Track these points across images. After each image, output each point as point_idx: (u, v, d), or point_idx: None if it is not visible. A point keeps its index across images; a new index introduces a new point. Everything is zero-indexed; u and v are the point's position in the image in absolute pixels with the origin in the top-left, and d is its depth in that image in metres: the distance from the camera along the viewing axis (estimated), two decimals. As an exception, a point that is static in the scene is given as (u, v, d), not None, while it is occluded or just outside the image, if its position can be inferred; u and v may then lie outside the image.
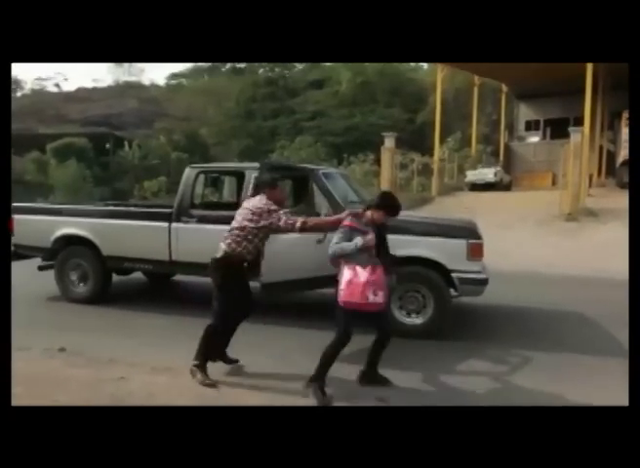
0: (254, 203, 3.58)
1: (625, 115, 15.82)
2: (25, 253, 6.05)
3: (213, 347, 3.62)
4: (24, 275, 6.61)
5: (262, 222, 3.46)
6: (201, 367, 3.52)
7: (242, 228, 3.50)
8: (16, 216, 6.01)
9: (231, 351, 3.85)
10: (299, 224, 3.43)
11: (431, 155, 18.50)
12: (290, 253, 4.50)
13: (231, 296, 3.55)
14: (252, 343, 4.23)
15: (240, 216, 3.57)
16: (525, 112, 24.33)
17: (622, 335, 4.70)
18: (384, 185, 13.78)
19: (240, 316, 3.67)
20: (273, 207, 3.50)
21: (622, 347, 4.46)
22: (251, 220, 3.48)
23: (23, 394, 3.25)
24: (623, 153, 15.72)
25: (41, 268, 6.05)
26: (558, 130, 18.70)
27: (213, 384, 3.45)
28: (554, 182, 18.27)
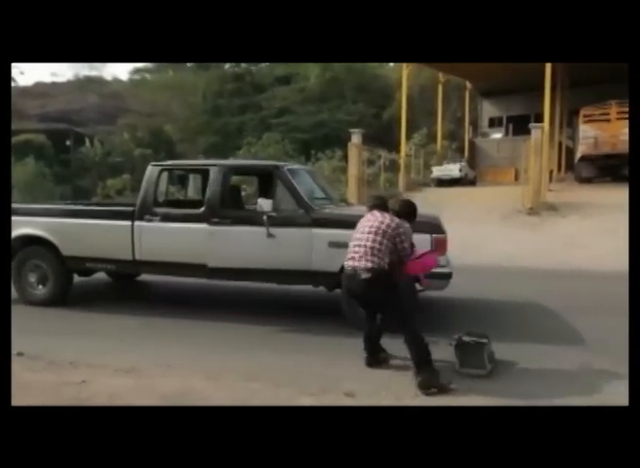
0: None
1: (583, 112, 16.39)
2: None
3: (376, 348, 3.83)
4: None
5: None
6: (432, 376, 3.36)
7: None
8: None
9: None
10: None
11: (398, 151, 18.70)
12: (237, 241, 4.74)
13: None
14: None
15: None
16: (488, 109, 24.92)
17: (580, 325, 4.89)
18: (352, 181, 13.86)
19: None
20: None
21: (580, 336, 4.63)
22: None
23: (-22, 401, 3.14)
24: (581, 149, 16.27)
25: (-3, 270, 5.81)
26: (520, 126, 19.21)
27: (447, 387, 3.32)
28: (517, 177, 18.75)
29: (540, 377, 3.64)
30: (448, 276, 4.59)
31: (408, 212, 3.77)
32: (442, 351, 3.98)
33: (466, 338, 3.68)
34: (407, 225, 3.70)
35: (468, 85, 23.21)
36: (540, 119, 14.62)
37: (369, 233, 3.49)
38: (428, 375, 3.33)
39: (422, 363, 3.37)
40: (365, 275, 3.42)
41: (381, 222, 3.51)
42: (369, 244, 3.45)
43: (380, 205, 3.70)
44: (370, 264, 3.41)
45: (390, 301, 3.52)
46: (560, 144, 18.98)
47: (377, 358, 3.85)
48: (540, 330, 4.85)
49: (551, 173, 16.19)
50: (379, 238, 3.45)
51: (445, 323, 5.01)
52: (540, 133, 12.55)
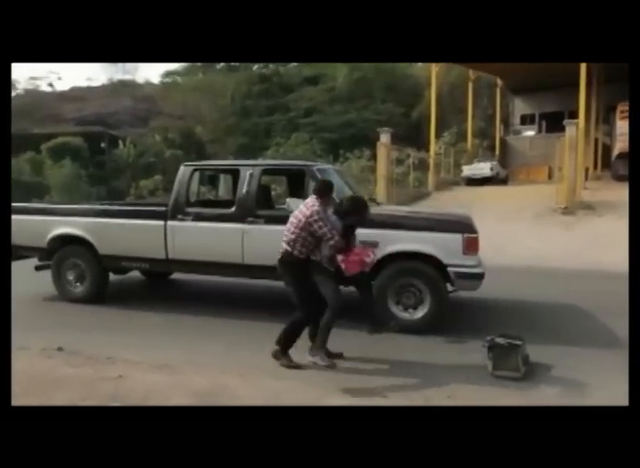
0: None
1: (620, 108, 15.85)
2: (22, 253, 6.03)
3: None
4: (22, 275, 6.60)
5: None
6: (284, 351, 3.81)
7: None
8: (12, 217, 5.99)
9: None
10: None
11: (427, 150, 18.50)
12: (268, 240, 4.69)
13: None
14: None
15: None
16: (520, 106, 24.38)
17: (617, 326, 4.74)
18: (381, 181, 13.79)
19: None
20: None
21: (617, 338, 4.49)
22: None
23: (22, 393, 3.26)
24: (619, 146, 15.74)
25: (38, 268, 6.03)
26: (553, 123, 18.74)
27: (297, 365, 3.76)
28: (550, 176, 18.31)
29: (574, 380, 3.55)
30: (480, 276, 4.52)
31: (320, 189, 3.82)
32: (474, 352, 3.94)
33: (500, 340, 3.61)
34: (329, 214, 3.81)
35: (499, 82, 22.76)
36: (574, 116, 14.21)
37: (290, 223, 3.81)
38: (282, 352, 3.80)
39: (284, 344, 3.81)
40: (278, 257, 3.84)
41: (301, 212, 3.75)
42: (286, 232, 3.81)
43: (315, 190, 3.87)
44: (282, 249, 3.80)
45: (293, 286, 3.82)
46: (596, 141, 18.37)
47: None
48: (574, 332, 4.73)
49: (587, 170, 15.71)
50: (292, 228, 3.75)
51: (477, 324, 4.95)
52: (574, 129, 12.21)
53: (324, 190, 3.80)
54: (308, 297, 3.76)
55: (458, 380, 3.55)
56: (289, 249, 3.75)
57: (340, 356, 3.92)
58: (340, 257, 3.77)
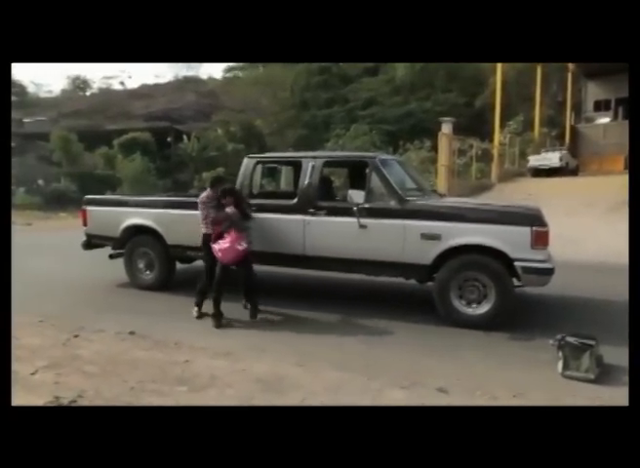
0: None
1: None
2: (98, 242, 6.41)
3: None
4: (97, 263, 7.02)
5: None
6: (199, 305, 4.99)
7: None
8: (88, 208, 6.38)
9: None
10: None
11: (491, 140, 17.84)
12: (330, 232, 4.91)
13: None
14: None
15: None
16: (594, 91, 22.92)
17: None
18: (441, 172, 13.47)
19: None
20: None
21: None
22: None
23: (99, 373, 3.49)
24: None
25: (112, 257, 6.38)
26: (631, 109, 17.42)
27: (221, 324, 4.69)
28: (627, 166, 17.12)
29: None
30: (549, 272, 4.31)
31: (211, 183, 4.99)
32: (541, 351, 3.77)
33: (571, 339, 3.43)
34: (206, 196, 4.91)
35: (571, 66, 21.50)
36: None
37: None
38: (199, 307, 4.95)
39: (199, 303, 4.99)
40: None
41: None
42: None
43: (209, 183, 5.07)
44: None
45: (203, 257, 5.03)
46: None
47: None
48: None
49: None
50: (198, 211, 4.98)
51: (545, 321, 4.74)
52: (656, 115, 11.32)
53: (213, 184, 4.95)
54: (211, 268, 4.78)
55: (523, 379, 3.41)
56: (203, 228, 4.93)
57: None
58: (215, 246, 4.48)
